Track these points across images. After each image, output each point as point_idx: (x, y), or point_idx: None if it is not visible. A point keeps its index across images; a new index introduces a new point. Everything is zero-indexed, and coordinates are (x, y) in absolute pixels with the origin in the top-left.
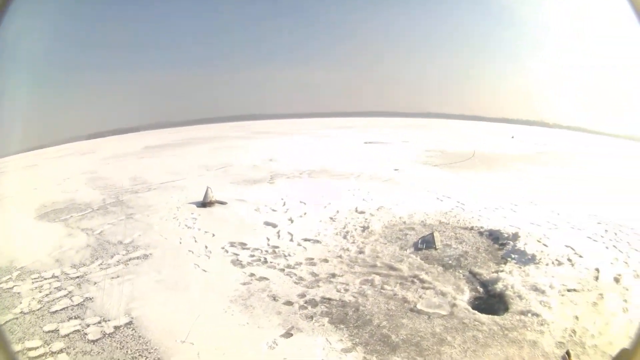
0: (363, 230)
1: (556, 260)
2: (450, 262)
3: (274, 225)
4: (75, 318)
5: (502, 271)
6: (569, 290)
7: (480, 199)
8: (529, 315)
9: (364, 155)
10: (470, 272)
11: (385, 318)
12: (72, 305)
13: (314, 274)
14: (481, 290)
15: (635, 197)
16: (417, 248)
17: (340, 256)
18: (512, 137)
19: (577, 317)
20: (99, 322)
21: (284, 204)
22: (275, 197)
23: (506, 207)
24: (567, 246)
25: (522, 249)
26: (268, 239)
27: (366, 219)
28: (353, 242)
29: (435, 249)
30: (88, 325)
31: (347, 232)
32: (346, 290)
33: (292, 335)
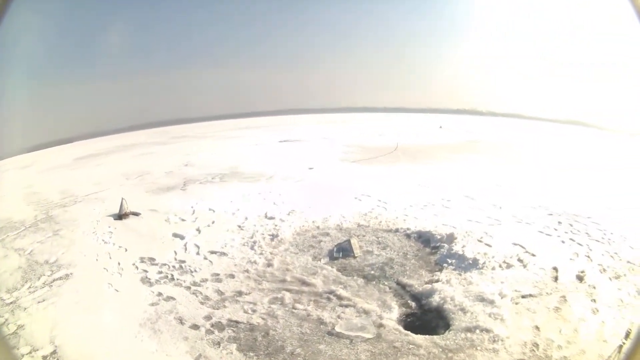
0: (272, 239)
1: (504, 262)
2: (372, 272)
3: (182, 237)
4: (12, 348)
5: (437, 281)
6: (524, 297)
7: (406, 195)
8: (477, 331)
9: (278, 155)
10: (398, 283)
11: (300, 344)
12: (8, 334)
13: (219, 292)
14: (413, 305)
15: (585, 185)
16: (332, 257)
17: (246, 270)
18: (440, 127)
19: (537, 328)
20: (30, 352)
21: (193, 212)
22: (185, 205)
23: (437, 203)
24: (515, 244)
25: (460, 252)
26: (175, 253)
27: (276, 226)
28: (261, 254)
29: (354, 257)
30: (23, 356)
31: (255, 242)
32: (254, 310)
33: None
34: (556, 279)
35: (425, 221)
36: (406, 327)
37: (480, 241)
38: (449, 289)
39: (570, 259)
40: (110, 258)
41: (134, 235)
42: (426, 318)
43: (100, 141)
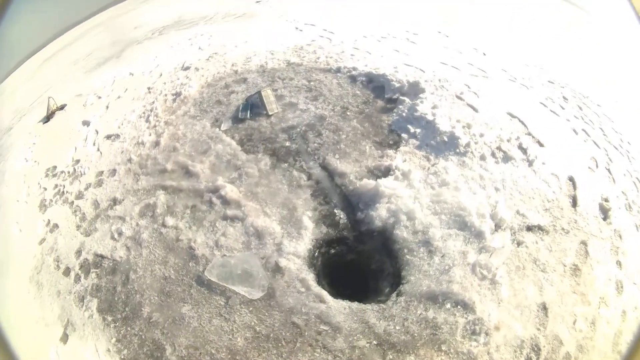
0: (174, 99)
1: (498, 148)
2: (287, 144)
3: (88, 124)
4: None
5: (388, 171)
6: (529, 229)
7: (361, 24)
8: (448, 306)
9: None
10: (324, 168)
11: (159, 302)
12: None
13: (96, 205)
14: (341, 220)
15: (576, 58)
16: (236, 119)
17: (129, 160)
18: None
19: (545, 308)
20: None
21: (113, 83)
22: (109, 77)
23: (400, 35)
24: (512, 116)
25: (430, 116)
26: (75, 150)
27: (186, 78)
28: (154, 127)
29: (267, 115)
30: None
31: (153, 109)
32: (120, 233)
33: (68, 337)
34: (574, 201)
35: (382, 58)
36: (322, 276)
37: (459, 98)
38: (406, 192)
39: (589, 168)
40: (24, 182)
41: (50, 139)
42: (361, 252)
43: (70, 35)
